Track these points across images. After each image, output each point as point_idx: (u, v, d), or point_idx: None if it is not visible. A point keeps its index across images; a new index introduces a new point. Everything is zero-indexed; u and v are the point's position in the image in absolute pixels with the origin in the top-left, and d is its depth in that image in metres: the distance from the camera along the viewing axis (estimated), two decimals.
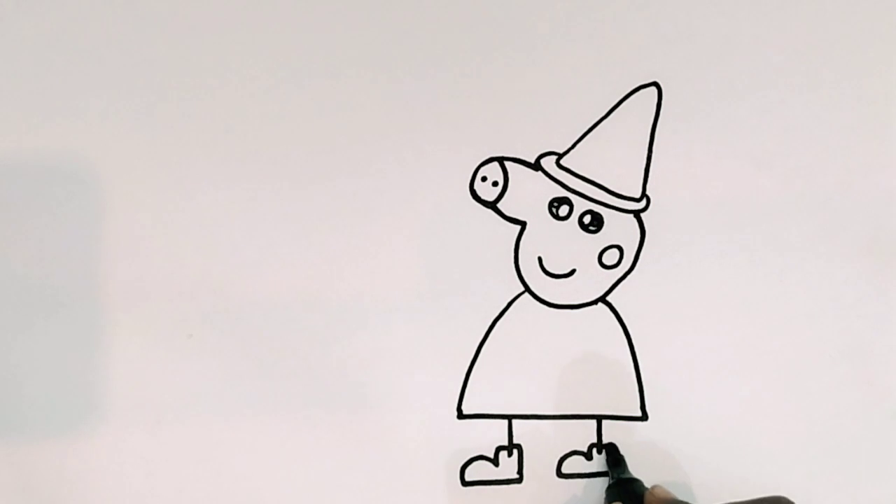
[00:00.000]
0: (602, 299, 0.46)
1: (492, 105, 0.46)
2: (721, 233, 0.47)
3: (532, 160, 0.46)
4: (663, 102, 0.47)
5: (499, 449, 0.45)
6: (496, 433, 0.45)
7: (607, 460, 0.45)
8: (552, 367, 0.46)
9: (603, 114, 0.47)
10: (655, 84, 0.47)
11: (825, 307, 0.46)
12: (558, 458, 0.46)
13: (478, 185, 0.46)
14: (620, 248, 0.46)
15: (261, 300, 0.45)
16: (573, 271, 0.46)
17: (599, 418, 0.46)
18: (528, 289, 0.46)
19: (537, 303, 0.46)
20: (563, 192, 0.46)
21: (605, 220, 0.46)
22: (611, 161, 0.47)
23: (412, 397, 0.45)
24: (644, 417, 0.46)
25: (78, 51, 0.45)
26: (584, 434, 0.46)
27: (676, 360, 0.46)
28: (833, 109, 0.48)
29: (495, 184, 0.46)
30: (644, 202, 0.47)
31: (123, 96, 0.45)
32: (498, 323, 0.46)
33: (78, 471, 0.44)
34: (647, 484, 0.45)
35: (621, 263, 0.46)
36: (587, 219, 0.46)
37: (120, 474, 0.44)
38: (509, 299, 0.46)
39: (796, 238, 0.47)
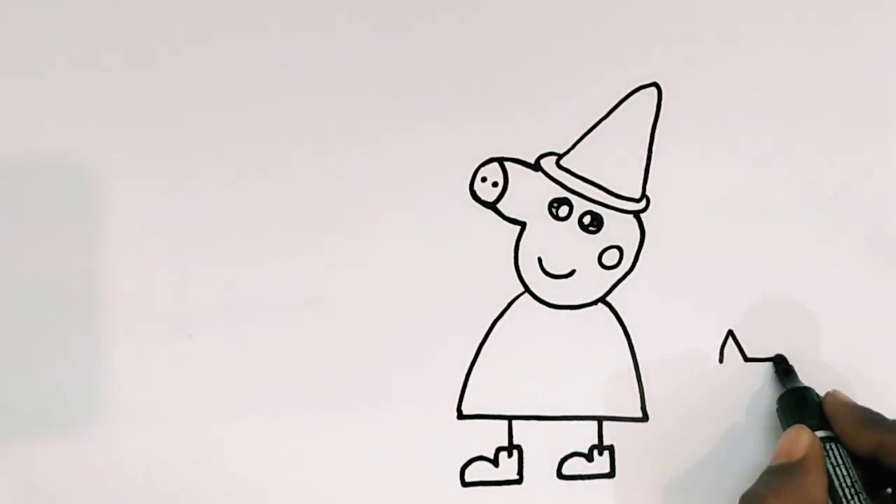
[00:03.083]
0: (602, 299, 0.46)
1: (492, 105, 0.47)
2: (721, 233, 0.47)
3: (532, 160, 0.47)
4: (663, 102, 0.47)
5: (499, 450, 0.45)
6: (496, 434, 0.45)
7: (777, 371, 0.45)
8: (552, 368, 0.46)
9: (603, 114, 0.47)
10: (655, 84, 0.47)
11: (825, 307, 0.46)
12: (559, 460, 0.45)
13: (478, 185, 0.46)
14: (620, 249, 0.46)
15: (261, 300, 0.45)
16: (573, 272, 0.46)
17: (600, 419, 0.46)
18: (527, 289, 0.46)
19: (537, 303, 0.46)
20: (563, 193, 0.46)
21: (605, 220, 0.46)
22: (611, 161, 0.47)
23: (412, 397, 0.45)
24: (644, 418, 0.46)
25: (78, 51, 0.45)
26: (584, 435, 0.46)
27: (676, 360, 0.46)
28: (833, 109, 0.47)
29: (495, 184, 0.46)
30: (644, 202, 0.47)
31: (123, 96, 0.45)
32: (498, 323, 0.46)
33: (78, 471, 0.44)
34: (646, 486, 0.45)
35: (621, 264, 0.46)
36: (587, 219, 0.46)
37: (120, 474, 0.44)
38: (509, 300, 0.46)
39: (796, 238, 0.47)
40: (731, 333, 0.46)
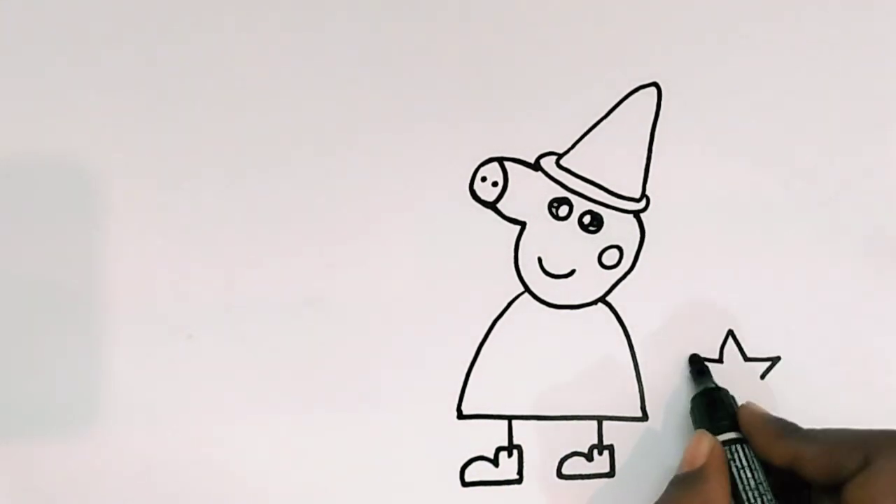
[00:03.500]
0: (602, 299, 0.46)
1: (492, 105, 0.47)
2: (721, 233, 0.47)
3: (532, 160, 0.47)
4: (663, 102, 0.47)
5: (499, 449, 0.45)
6: (496, 434, 0.45)
7: (691, 371, 0.45)
8: (552, 367, 0.46)
9: (603, 114, 0.47)
10: (655, 84, 0.47)
11: (825, 307, 0.46)
12: (559, 459, 0.45)
13: (477, 185, 0.46)
14: (620, 249, 0.46)
15: (261, 300, 0.45)
16: (573, 271, 0.46)
17: (600, 419, 0.46)
18: (527, 289, 0.46)
19: (537, 303, 0.46)
20: (563, 193, 0.46)
21: (605, 220, 0.46)
22: (611, 161, 0.47)
23: (412, 397, 0.45)
24: (644, 418, 0.46)
25: (78, 51, 0.45)
26: (584, 435, 0.46)
27: (676, 360, 0.46)
28: (833, 109, 0.48)
29: (495, 184, 0.46)
30: (644, 202, 0.47)
31: (123, 96, 0.45)
32: (498, 323, 0.46)
33: (78, 471, 0.44)
34: (646, 485, 0.45)
35: (621, 263, 0.46)
36: (587, 219, 0.46)
37: (120, 474, 0.44)
38: (509, 299, 0.46)
39: (796, 238, 0.47)
40: (731, 333, 0.46)
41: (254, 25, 0.46)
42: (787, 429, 0.40)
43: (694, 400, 0.44)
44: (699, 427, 0.42)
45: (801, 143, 0.47)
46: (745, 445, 0.41)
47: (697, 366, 0.45)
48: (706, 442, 0.40)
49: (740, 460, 0.40)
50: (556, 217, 0.46)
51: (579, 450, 0.45)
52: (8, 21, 0.46)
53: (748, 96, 0.47)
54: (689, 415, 0.44)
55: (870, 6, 0.48)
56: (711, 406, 0.43)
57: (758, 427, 0.40)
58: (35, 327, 0.44)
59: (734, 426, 0.41)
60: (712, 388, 0.43)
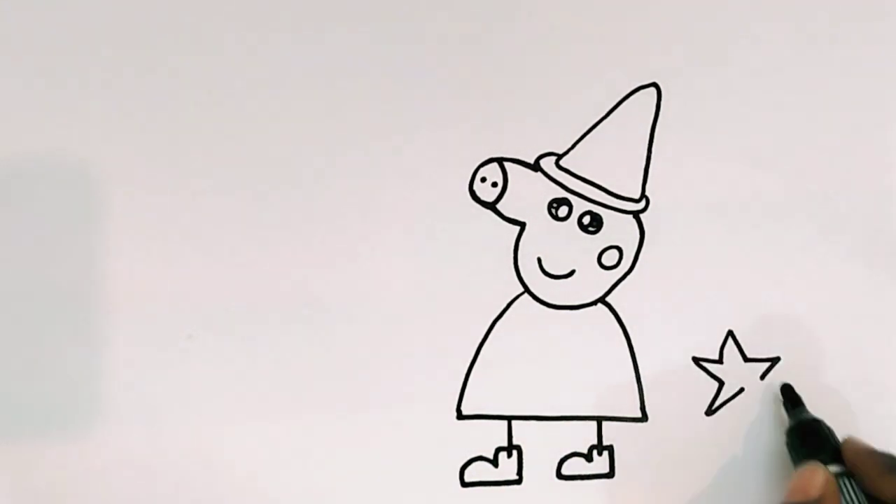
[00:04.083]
0: (602, 300, 0.46)
1: (492, 105, 0.47)
2: (721, 233, 0.47)
3: (531, 161, 0.47)
4: (663, 102, 0.47)
5: (498, 450, 0.45)
6: (496, 434, 0.45)
7: (785, 403, 0.44)
8: (552, 368, 0.46)
9: (603, 114, 0.47)
10: (655, 84, 0.47)
11: (825, 307, 0.46)
12: (558, 460, 0.45)
13: (477, 185, 0.46)
14: (620, 249, 0.46)
15: (261, 300, 0.45)
16: (573, 272, 0.46)
17: (600, 419, 0.46)
18: (527, 289, 0.46)
19: (537, 303, 0.46)
20: (563, 193, 0.46)
21: (605, 220, 0.46)
22: (610, 161, 0.47)
23: (411, 397, 0.45)
24: (644, 418, 0.46)
25: (78, 51, 0.46)
26: (584, 435, 0.46)
27: (676, 360, 0.46)
28: (833, 109, 0.47)
29: (494, 184, 0.46)
30: (643, 203, 0.47)
31: (124, 97, 0.45)
32: (497, 323, 0.46)
33: (78, 471, 0.44)
34: (646, 486, 0.45)
35: (621, 264, 0.46)
36: (586, 219, 0.46)
37: (120, 475, 0.44)
38: (509, 300, 0.46)
39: (796, 238, 0.47)
40: (730, 333, 0.46)
41: (255, 29, 0.46)
42: (894, 463, 0.40)
43: (792, 431, 0.43)
44: (798, 457, 0.42)
45: (801, 143, 0.47)
46: (851, 479, 0.40)
47: (791, 395, 0.44)
48: (822, 473, 0.40)
49: (849, 494, 0.40)
50: (556, 217, 0.46)
51: (579, 450, 0.45)
52: (8, 21, 0.46)
53: (748, 96, 0.47)
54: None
55: (870, 6, 0.48)
56: (813, 437, 0.42)
57: (864, 461, 0.40)
58: (35, 327, 0.44)
59: (837, 459, 0.41)
60: (812, 420, 0.43)
